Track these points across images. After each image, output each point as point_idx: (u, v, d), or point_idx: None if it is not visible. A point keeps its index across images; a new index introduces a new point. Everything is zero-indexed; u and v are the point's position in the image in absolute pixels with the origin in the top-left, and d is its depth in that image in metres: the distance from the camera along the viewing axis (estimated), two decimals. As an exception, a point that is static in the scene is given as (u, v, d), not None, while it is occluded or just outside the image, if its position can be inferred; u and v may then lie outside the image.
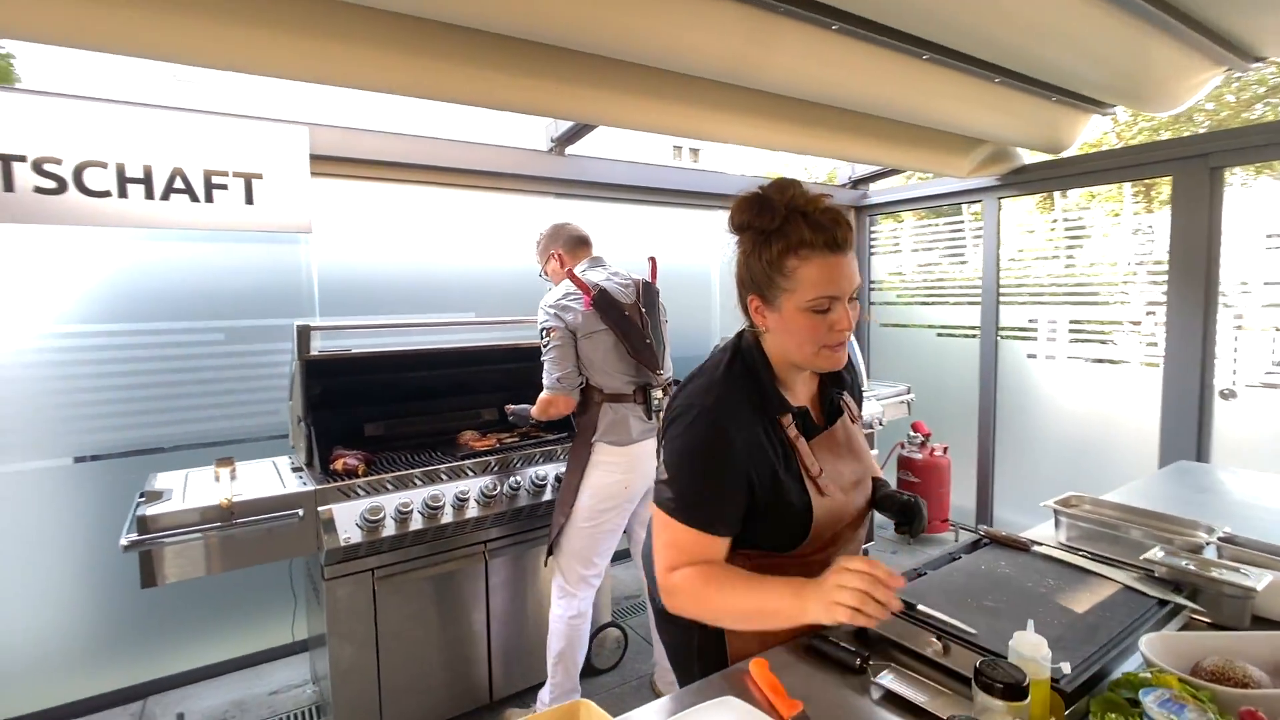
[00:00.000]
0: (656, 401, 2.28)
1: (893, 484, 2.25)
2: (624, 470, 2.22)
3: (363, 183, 3.00)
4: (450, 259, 3.29)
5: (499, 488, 2.32)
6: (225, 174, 2.56)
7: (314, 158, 2.78)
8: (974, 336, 4.16)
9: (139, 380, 2.62)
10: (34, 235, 2.45)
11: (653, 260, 2.51)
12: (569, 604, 2.24)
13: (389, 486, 2.22)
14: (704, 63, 2.19)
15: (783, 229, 1.08)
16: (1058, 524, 1.67)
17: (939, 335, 4.42)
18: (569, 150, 3.46)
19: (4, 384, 2.40)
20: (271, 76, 2.17)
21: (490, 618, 2.40)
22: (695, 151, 15.82)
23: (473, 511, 2.27)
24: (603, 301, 2.21)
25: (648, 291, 2.37)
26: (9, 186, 2.22)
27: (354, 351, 2.44)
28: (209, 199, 2.54)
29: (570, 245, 2.47)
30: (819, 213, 1.08)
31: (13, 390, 2.41)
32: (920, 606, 1.19)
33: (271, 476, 2.22)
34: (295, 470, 2.28)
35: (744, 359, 1.18)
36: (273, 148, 2.64)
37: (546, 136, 3.41)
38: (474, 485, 2.30)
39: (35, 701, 2.45)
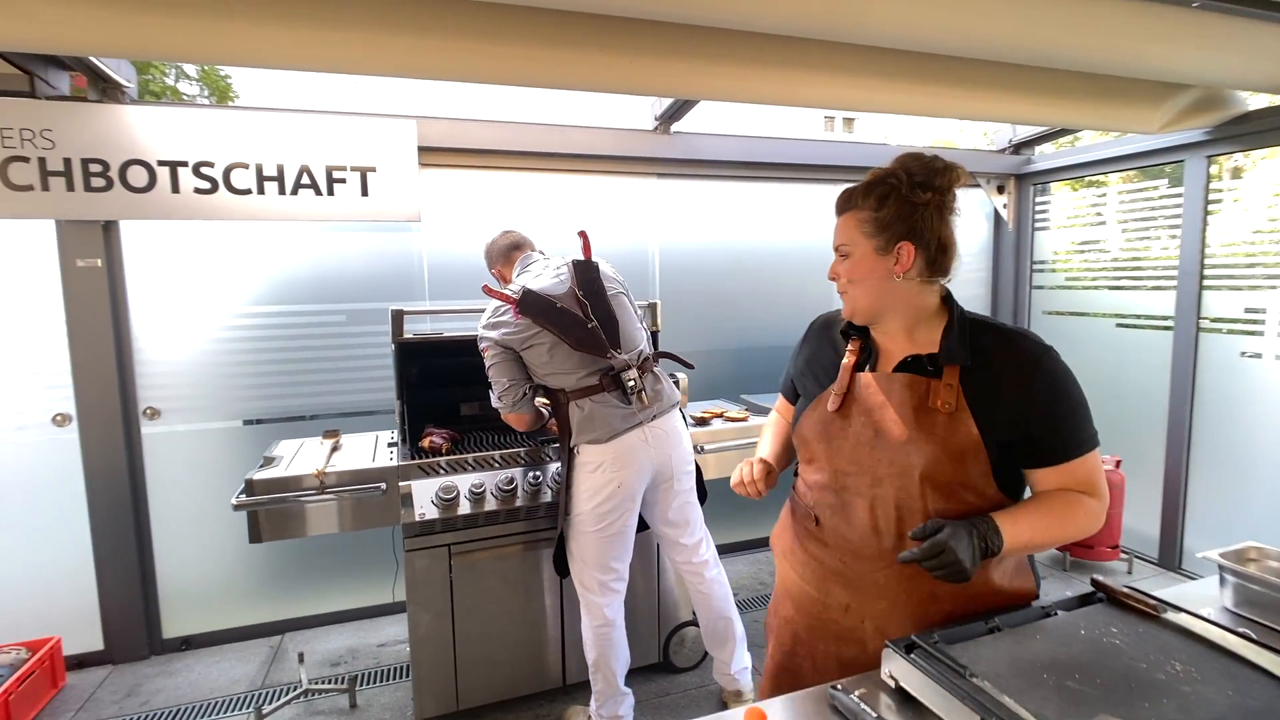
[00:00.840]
0: (632, 383, 2.04)
1: None
2: (612, 468, 2.02)
3: (470, 172, 3.11)
4: (554, 244, 3.32)
5: (571, 475, 2.29)
6: (344, 168, 2.78)
7: (423, 149, 2.92)
8: (1166, 329, 3.41)
9: (288, 355, 2.94)
10: (211, 231, 2.82)
11: (583, 235, 2.22)
12: (593, 613, 2.13)
13: (469, 466, 2.30)
14: (800, 15, 1.94)
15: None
16: (1222, 583, 1.28)
17: (1119, 326, 3.68)
18: (674, 128, 3.33)
19: (195, 358, 2.82)
20: (382, 75, 2.31)
21: (564, 603, 2.40)
22: (849, 122, 14.74)
23: (546, 496, 2.28)
24: (529, 303, 2.03)
25: (583, 271, 2.15)
26: (175, 188, 2.58)
27: (445, 334, 2.53)
28: (330, 192, 2.77)
29: (504, 257, 2.35)
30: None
31: (201, 363, 2.83)
32: (973, 675, 0.95)
33: (368, 450, 2.38)
34: (390, 445, 2.44)
35: None
36: (384, 142, 2.82)
37: (650, 115, 3.31)
38: (550, 470, 2.30)
39: (201, 625, 2.90)
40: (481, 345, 2.07)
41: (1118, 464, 3.38)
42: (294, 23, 2.00)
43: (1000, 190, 4.11)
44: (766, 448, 1.44)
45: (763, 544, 3.80)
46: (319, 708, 2.44)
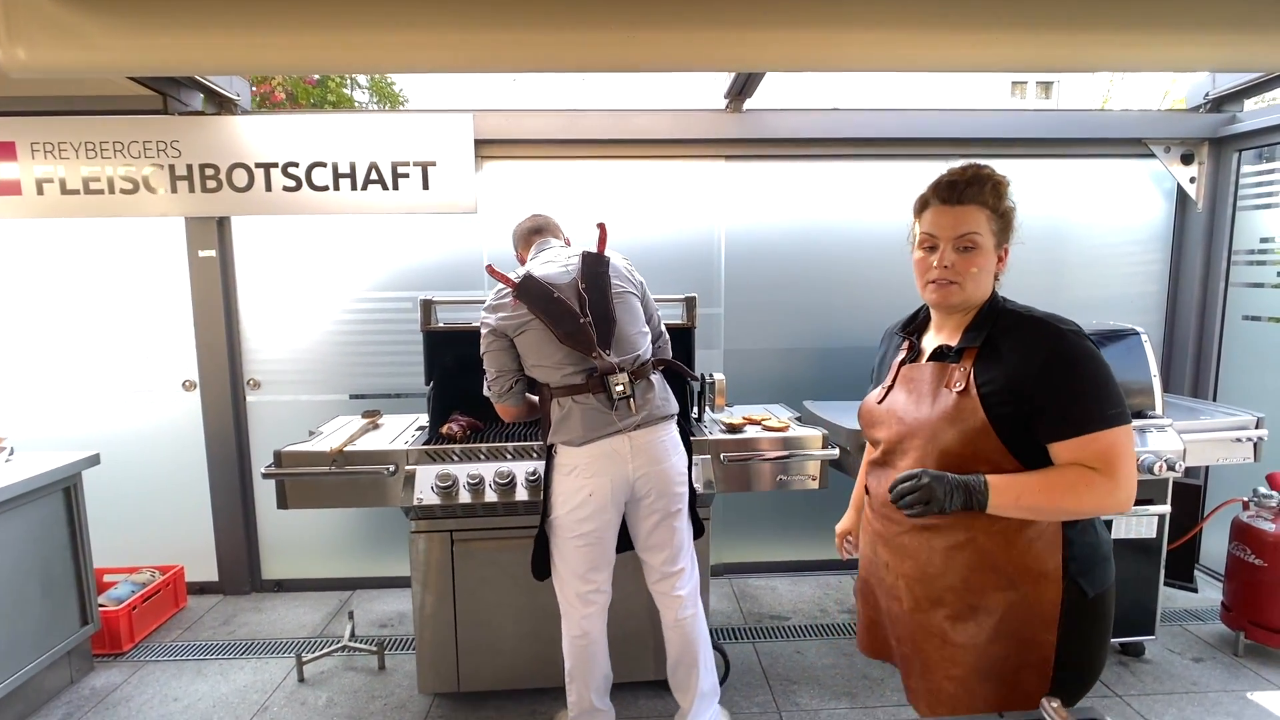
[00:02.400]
0: (619, 389, 1.87)
1: (1218, 566, 2.41)
2: (584, 474, 1.89)
3: (529, 162, 3.13)
4: (617, 233, 3.23)
5: (572, 474, 2.22)
6: (407, 164, 2.94)
7: (481, 142, 3.00)
8: None
9: (384, 338, 3.21)
10: (309, 225, 3.15)
11: (600, 226, 2.08)
12: (570, 623, 2.02)
13: (482, 455, 2.32)
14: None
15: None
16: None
17: (1355, 339, 2.72)
18: (746, 105, 3.06)
19: (314, 339, 3.19)
20: (440, 72, 2.40)
21: (566, 603, 2.34)
22: (1046, 86, 12.61)
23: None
24: (527, 289, 1.93)
25: (591, 264, 2.00)
26: (268, 187, 2.92)
27: (474, 324, 2.58)
28: (395, 186, 2.95)
29: (524, 240, 2.22)
30: (952, 173, 1.26)
31: (318, 343, 3.20)
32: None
33: (396, 433, 2.52)
34: (419, 429, 2.55)
35: None
36: (443, 136, 2.93)
37: (719, 94, 3.07)
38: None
39: (292, 571, 3.32)
40: (480, 331, 2.05)
41: (1331, 526, 2.50)
42: (361, 29, 2.10)
43: (1186, 160, 3.22)
44: (848, 511, 1.66)
45: (833, 565, 3.42)
46: (354, 664, 2.66)
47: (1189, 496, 2.87)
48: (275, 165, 2.90)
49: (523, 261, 2.27)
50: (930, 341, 1.33)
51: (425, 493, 2.20)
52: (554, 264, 2.04)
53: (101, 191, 2.87)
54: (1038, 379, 1.13)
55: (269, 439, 3.21)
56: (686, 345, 2.59)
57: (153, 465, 3.18)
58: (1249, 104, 3.17)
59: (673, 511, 2.01)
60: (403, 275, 3.18)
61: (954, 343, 1.25)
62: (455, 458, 2.30)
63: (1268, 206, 3.08)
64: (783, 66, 2.36)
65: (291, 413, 3.21)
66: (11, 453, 2.48)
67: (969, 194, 1.22)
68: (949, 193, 1.23)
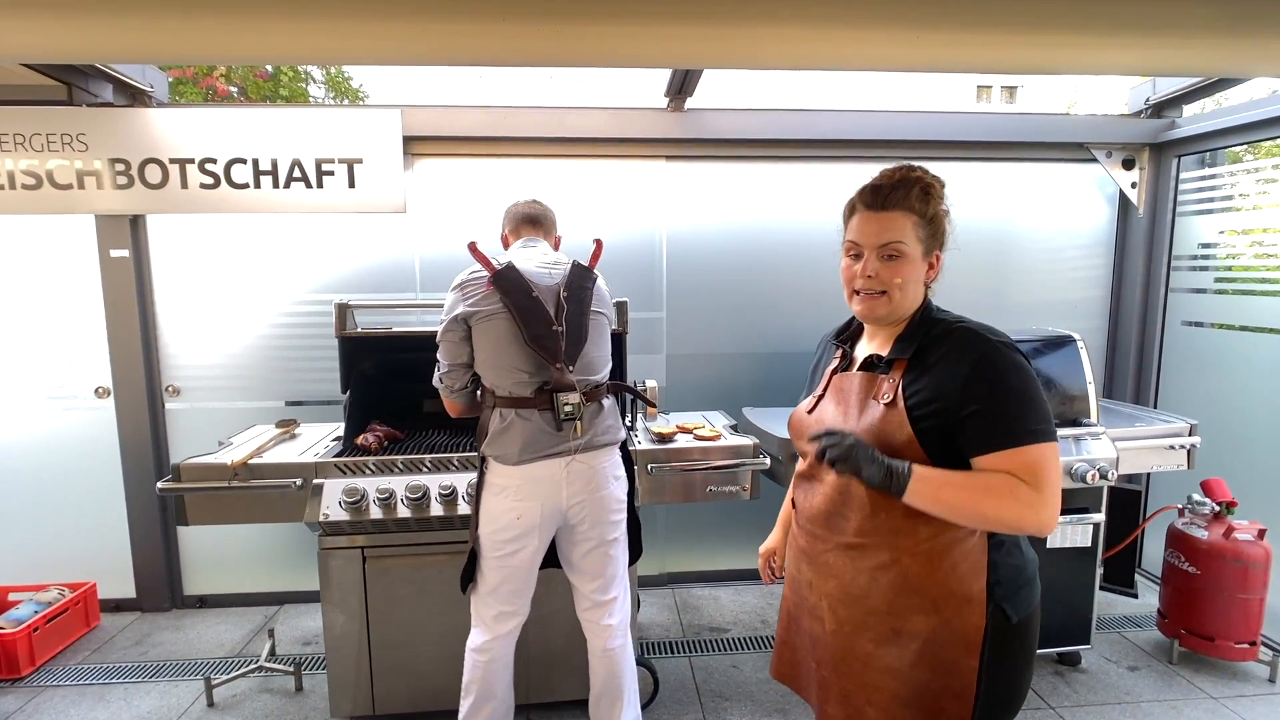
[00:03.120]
0: (569, 409, 1.76)
1: (1159, 570, 2.24)
2: (515, 496, 1.78)
3: (462, 160, 3.02)
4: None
5: (490, 487, 2.12)
6: (332, 161, 2.82)
7: (410, 139, 2.89)
8: (1356, 353, 2.45)
9: (321, 342, 3.06)
10: (229, 224, 3.00)
11: (598, 243, 2.00)
12: (475, 636, 1.93)
13: (398, 468, 2.22)
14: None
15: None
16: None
17: (1287, 345, 2.73)
18: (688, 104, 2.99)
19: (245, 344, 3.05)
20: (366, 64, 2.29)
21: (486, 621, 2.25)
22: (1010, 90, 12.78)
23: (463, 508, 2.13)
24: (507, 279, 1.79)
25: (578, 276, 1.89)
26: (184, 184, 2.77)
27: (394, 330, 2.47)
28: (320, 184, 2.83)
29: (514, 224, 2.06)
30: (879, 176, 1.21)
31: (249, 348, 3.06)
32: None
33: (311, 443, 2.40)
34: (336, 440, 2.43)
35: None
36: (369, 133, 2.81)
37: (660, 93, 2.99)
38: (465, 480, 2.15)
39: (216, 586, 3.17)
40: (444, 311, 1.86)
41: (1261, 533, 2.50)
42: (274, 18, 1.97)
43: (1128, 165, 3.22)
44: (774, 530, 1.59)
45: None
46: (270, 685, 2.54)
47: (1129, 502, 2.86)
48: (191, 161, 2.76)
49: (505, 244, 2.10)
50: (863, 350, 1.29)
51: (332, 508, 2.09)
52: (538, 263, 1.90)
53: (1, 186, 2.70)
54: (963, 390, 1.09)
55: (191, 448, 3.05)
56: (618, 352, 2.51)
57: (64, 476, 3.01)
58: (1188, 110, 3.18)
59: (608, 540, 1.91)
60: (344, 278, 3.05)
61: (885, 352, 1.22)
62: (369, 470, 2.20)
63: (1207, 212, 3.08)
64: (720, 64, 2.32)
65: (217, 421, 3.06)
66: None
67: (894, 199, 1.17)
68: (873, 198, 1.19)
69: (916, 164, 1.21)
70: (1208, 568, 2.53)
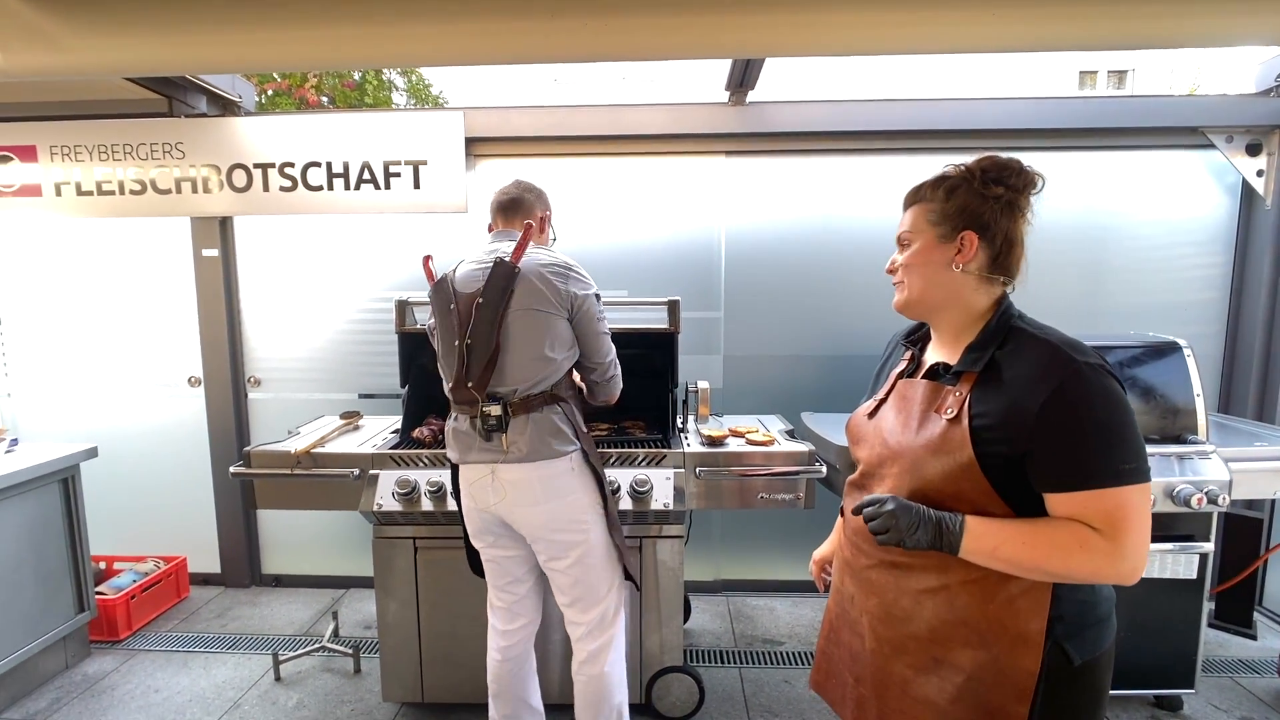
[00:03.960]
0: (491, 422, 1.68)
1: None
2: (465, 494, 1.82)
3: (523, 160, 3.06)
4: (613, 233, 3.12)
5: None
6: (399, 163, 2.92)
7: (473, 140, 2.95)
8: None
9: (385, 339, 3.19)
10: (310, 225, 3.17)
11: (527, 226, 1.79)
12: (490, 635, 1.93)
13: (450, 461, 2.26)
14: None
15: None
16: None
17: None
18: (750, 98, 2.90)
19: (323, 338, 3.22)
20: (421, 65, 2.36)
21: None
22: (1119, 75, 11.70)
23: (509, 504, 2.14)
24: (437, 293, 1.80)
25: (497, 276, 1.70)
26: (265, 187, 2.95)
27: (450, 326, 2.52)
28: (387, 186, 2.94)
29: (491, 217, 1.93)
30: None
31: (326, 342, 3.23)
32: None
33: (372, 434, 2.48)
34: (394, 433, 2.51)
35: None
36: (433, 135, 2.89)
37: (721, 87, 2.92)
38: (511, 477, 2.16)
39: (291, 567, 3.36)
40: None
41: None
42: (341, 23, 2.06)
43: (1253, 151, 2.85)
44: (830, 537, 1.48)
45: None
46: (332, 665, 2.65)
47: (1249, 531, 2.53)
48: (272, 165, 2.93)
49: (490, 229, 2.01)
50: (932, 356, 1.19)
51: (385, 498, 2.15)
52: (475, 265, 1.78)
53: (113, 193, 2.97)
54: (1039, 416, 0.96)
55: (269, 436, 3.25)
56: (669, 352, 2.46)
57: (160, 459, 3.28)
58: (1330, 85, 2.78)
59: (557, 557, 1.79)
60: (412, 278, 3.16)
61: (953, 361, 1.12)
62: (422, 463, 2.25)
63: (1351, 203, 2.69)
64: (781, 51, 2.22)
65: (294, 410, 3.24)
66: (14, 443, 2.58)
67: (916, 197, 1.16)
68: (906, 199, 1.19)
69: (966, 161, 1.13)
70: (1344, 611, 2.19)
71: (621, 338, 2.44)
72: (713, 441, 2.33)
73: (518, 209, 1.87)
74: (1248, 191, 2.92)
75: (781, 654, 2.73)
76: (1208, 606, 2.28)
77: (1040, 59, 11.95)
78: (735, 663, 2.67)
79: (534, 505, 1.73)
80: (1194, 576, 2.24)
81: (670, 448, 2.26)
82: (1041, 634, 1.01)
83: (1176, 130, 2.86)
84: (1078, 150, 2.94)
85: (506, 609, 1.92)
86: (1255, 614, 2.66)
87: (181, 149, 2.93)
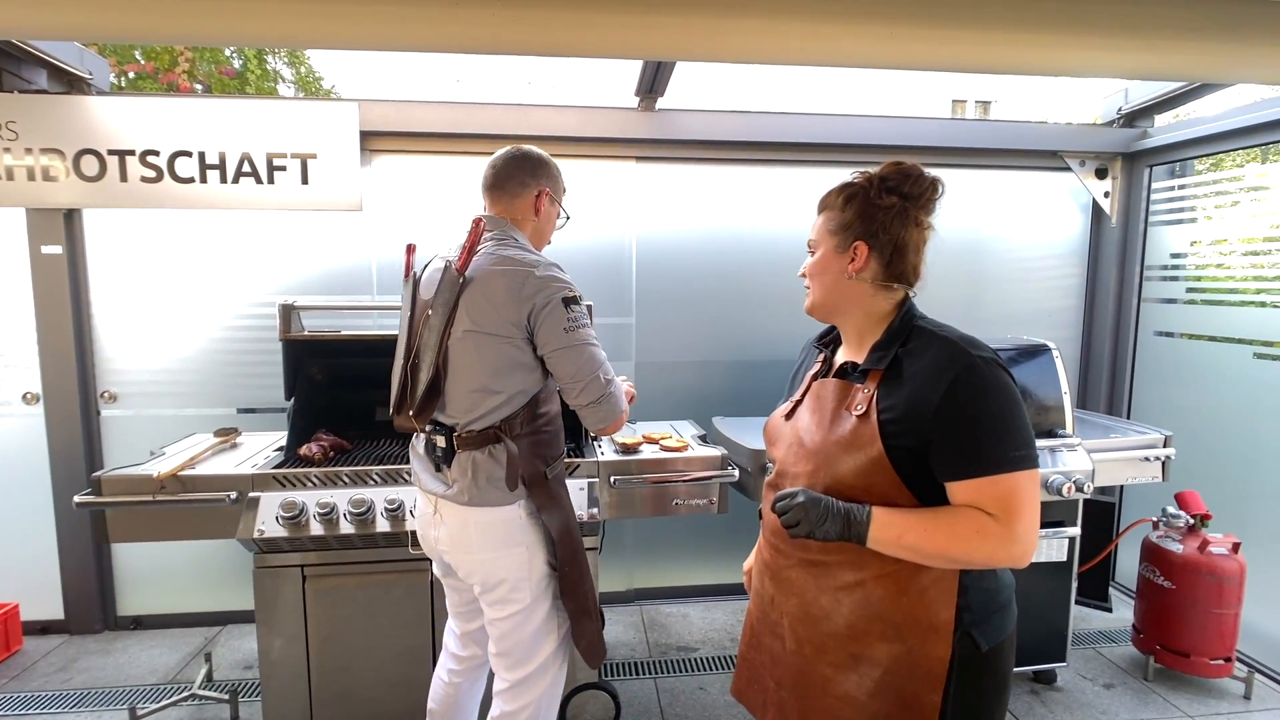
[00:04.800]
0: (438, 451, 1.50)
1: (1134, 583, 2.13)
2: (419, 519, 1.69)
3: (422, 158, 2.90)
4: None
5: (440, 501, 1.99)
6: (285, 155, 2.67)
7: (368, 134, 2.76)
8: (1327, 364, 2.44)
9: (270, 348, 2.89)
10: (176, 220, 2.82)
11: (475, 222, 1.51)
12: (442, 655, 1.82)
13: (344, 480, 2.07)
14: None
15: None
16: None
17: (1258, 356, 2.71)
18: (659, 104, 2.90)
19: (194, 347, 2.88)
20: (303, 46, 2.15)
21: (436, 642, 2.11)
22: (984, 105, 12.98)
23: (411, 524, 1.99)
24: (406, 290, 1.58)
25: (445, 285, 1.45)
26: (123, 177, 2.61)
27: (343, 334, 2.34)
28: (271, 180, 2.68)
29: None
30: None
31: (198, 352, 2.89)
32: None
33: (252, 453, 2.24)
34: (279, 450, 2.28)
35: None
36: (325, 127, 2.68)
37: (630, 91, 2.90)
38: (414, 494, 2.01)
39: (154, 606, 2.97)
40: None
41: (1235, 547, 2.46)
42: None
43: (1101, 174, 3.20)
44: (757, 545, 1.41)
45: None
46: (204, 714, 2.36)
47: (1103, 514, 2.81)
48: (132, 153, 2.60)
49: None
50: (842, 356, 1.24)
51: (268, 523, 1.94)
52: (441, 262, 1.52)
53: (-78, 177, 2.52)
54: (939, 408, 1.01)
55: (129, 458, 2.86)
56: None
57: (-14, 489, 2.81)
58: (1159, 120, 3.18)
59: (493, 605, 1.56)
60: (302, 280, 2.90)
61: (860, 360, 1.16)
62: (312, 483, 2.05)
63: (1177, 222, 3.08)
64: (690, 55, 2.22)
65: (161, 429, 2.87)
66: None
67: (823, 204, 1.22)
68: (818, 205, 1.24)
69: (869, 170, 1.18)
70: (1182, 582, 2.48)
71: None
72: (627, 449, 2.29)
73: (503, 187, 1.55)
74: (1097, 210, 3.28)
75: (696, 660, 2.72)
76: (1074, 585, 2.51)
77: (918, 86, 13.07)
78: (650, 673, 2.63)
79: (467, 553, 1.52)
80: (1065, 559, 2.45)
81: (584, 457, 2.20)
82: (951, 623, 1.05)
83: (1041, 153, 3.16)
84: (959, 168, 3.19)
85: (461, 635, 1.77)
86: (1110, 589, 2.96)
87: (14, 129, 2.53)
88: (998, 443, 1.00)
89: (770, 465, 1.29)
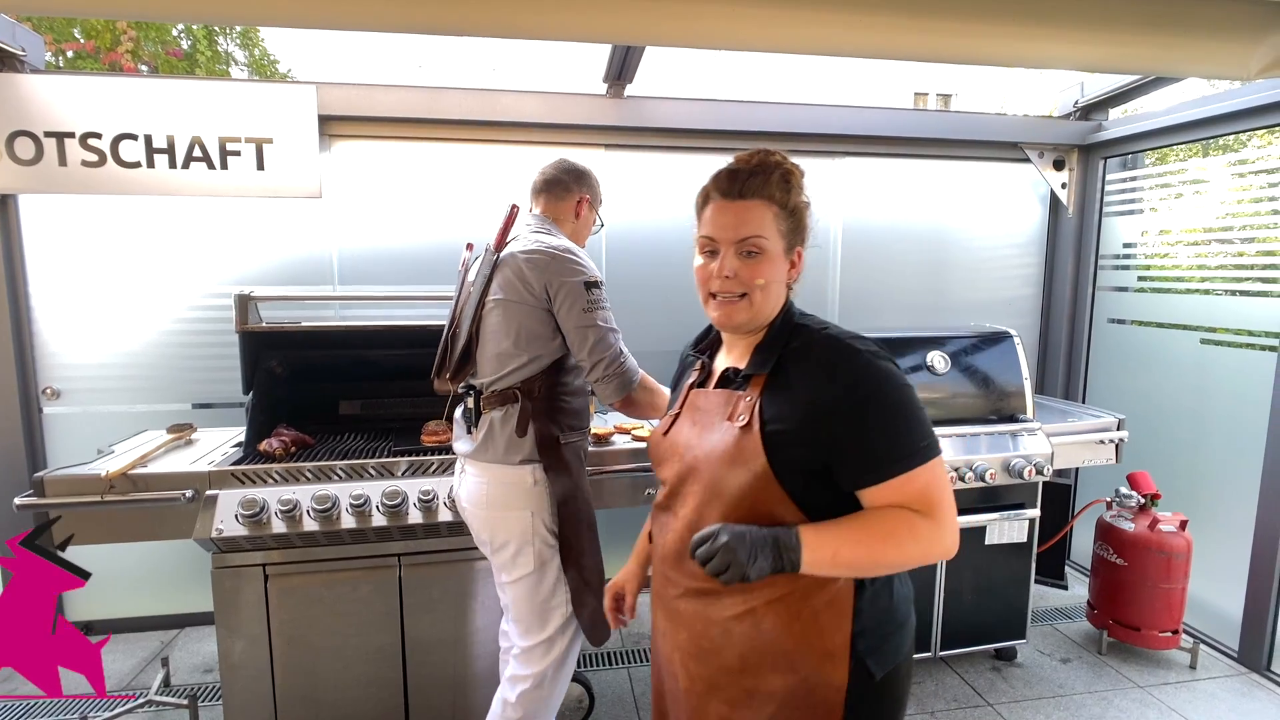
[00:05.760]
0: (468, 412, 1.70)
1: (1089, 561, 2.10)
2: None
3: (384, 144, 2.81)
4: (488, 225, 2.95)
5: (409, 496, 1.95)
6: (238, 140, 2.57)
7: (327, 119, 2.67)
8: (1270, 348, 2.55)
9: (226, 340, 2.75)
10: (122, 206, 2.68)
11: (513, 210, 1.73)
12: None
13: (306, 476, 2.01)
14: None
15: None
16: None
17: (1204, 342, 2.82)
18: (628, 91, 2.87)
19: (144, 340, 2.75)
20: (249, 24, 2.05)
21: (406, 641, 2.07)
22: (945, 98, 13.26)
23: (378, 519, 1.95)
24: (459, 281, 1.82)
25: (484, 265, 1.70)
26: (62, 161, 2.47)
27: (303, 325, 2.26)
28: (224, 165, 2.57)
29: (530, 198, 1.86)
30: (735, 161, 1.08)
31: (149, 345, 2.76)
32: None
33: (208, 450, 2.16)
34: (237, 446, 2.20)
35: None
36: (281, 111, 2.57)
37: (599, 78, 2.86)
38: (379, 489, 1.96)
39: (105, 610, 2.85)
40: None
41: (1183, 524, 2.57)
42: None
43: (1058, 166, 3.29)
44: (628, 562, 1.37)
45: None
46: (162, 720, 2.28)
47: (1059, 496, 2.91)
48: (71, 135, 2.45)
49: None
50: (722, 363, 1.15)
51: (227, 522, 1.87)
52: (480, 250, 1.79)
53: None
54: (838, 412, 0.95)
55: (74, 457, 2.73)
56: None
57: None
58: (1114, 113, 3.27)
59: (499, 569, 1.73)
60: (259, 271, 2.78)
61: (742, 364, 1.08)
62: (274, 479, 1.99)
63: (1129, 213, 3.18)
64: (659, 39, 2.20)
65: (110, 426, 2.74)
66: None
67: (752, 186, 1.03)
68: (730, 184, 1.04)
69: (775, 150, 1.07)
70: (1134, 559, 2.58)
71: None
72: (600, 440, 2.27)
73: (549, 188, 1.78)
74: (1055, 201, 3.37)
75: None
76: (1034, 565, 2.59)
77: (881, 78, 13.29)
78: (623, 663, 2.64)
79: (477, 508, 1.68)
80: (1025, 539, 2.53)
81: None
82: (846, 647, 0.99)
83: (1002, 145, 3.23)
84: (921, 158, 3.23)
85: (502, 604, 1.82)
86: (1066, 567, 3.07)
87: (-61, 108, 2.37)
88: (907, 437, 0.96)
89: (660, 485, 1.16)
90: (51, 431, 2.73)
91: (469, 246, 1.84)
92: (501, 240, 1.68)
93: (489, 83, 2.86)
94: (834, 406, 0.95)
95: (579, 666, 2.55)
